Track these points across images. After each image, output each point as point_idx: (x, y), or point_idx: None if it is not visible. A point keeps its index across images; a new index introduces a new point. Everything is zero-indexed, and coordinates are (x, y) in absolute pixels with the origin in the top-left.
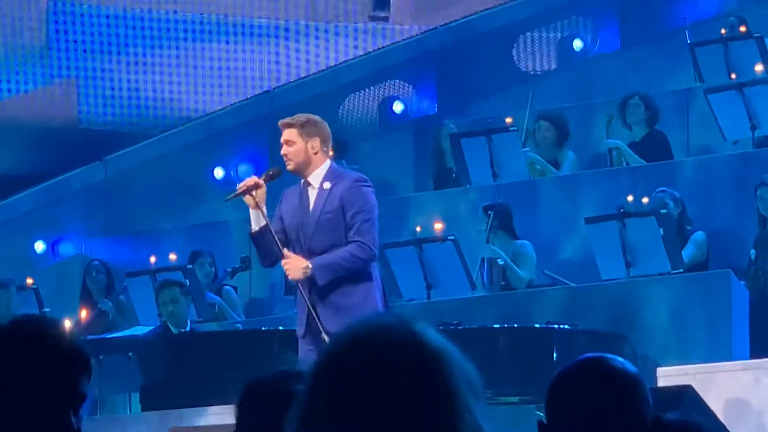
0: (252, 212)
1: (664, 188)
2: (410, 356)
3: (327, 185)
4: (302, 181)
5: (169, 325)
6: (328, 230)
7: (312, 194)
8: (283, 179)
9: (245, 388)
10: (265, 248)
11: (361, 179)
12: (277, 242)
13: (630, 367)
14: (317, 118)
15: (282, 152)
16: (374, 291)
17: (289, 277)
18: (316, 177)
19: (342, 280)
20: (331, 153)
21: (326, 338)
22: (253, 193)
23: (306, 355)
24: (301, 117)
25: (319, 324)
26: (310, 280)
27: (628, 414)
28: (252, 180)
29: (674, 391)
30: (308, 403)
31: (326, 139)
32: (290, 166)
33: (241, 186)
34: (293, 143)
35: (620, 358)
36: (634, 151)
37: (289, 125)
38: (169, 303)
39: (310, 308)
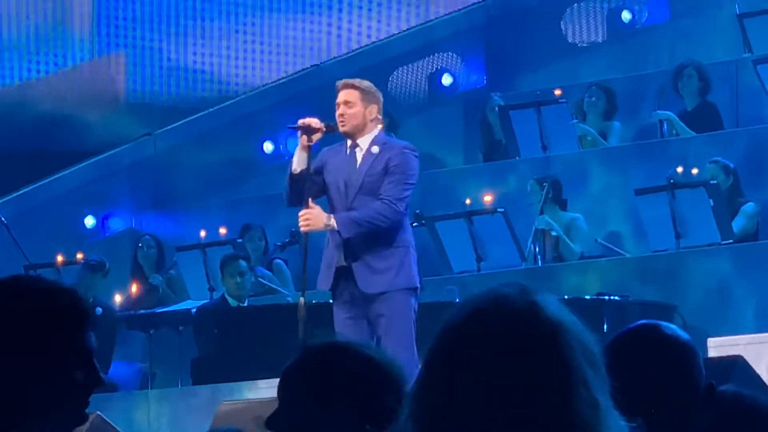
0: (299, 152)
1: (717, 158)
2: (528, 328)
3: (375, 149)
4: (349, 143)
5: (228, 298)
6: (370, 192)
7: (359, 155)
8: (325, 139)
9: (283, 376)
10: (298, 192)
11: (409, 147)
12: (309, 189)
13: (683, 334)
14: (375, 87)
15: (339, 112)
16: (410, 257)
17: (308, 228)
18: (365, 141)
19: (378, 243)
20: (380, 126)
21: (362, 302)
22: (311, 135)
23: (343, 323)
24: (364, 81)
25: (354, 284)
26: (344, 240)
27: (681, 381)
28: (317, 122)
29: (724, 362)
30: (426, 372)
31: (381, 109)
32: (345, 128)
33: (305, 121)
34: (353, 105)
35: (673, 326)
36: (684, 121)
37: (352, 86)
38: (237, 275)
39: (340, 267)
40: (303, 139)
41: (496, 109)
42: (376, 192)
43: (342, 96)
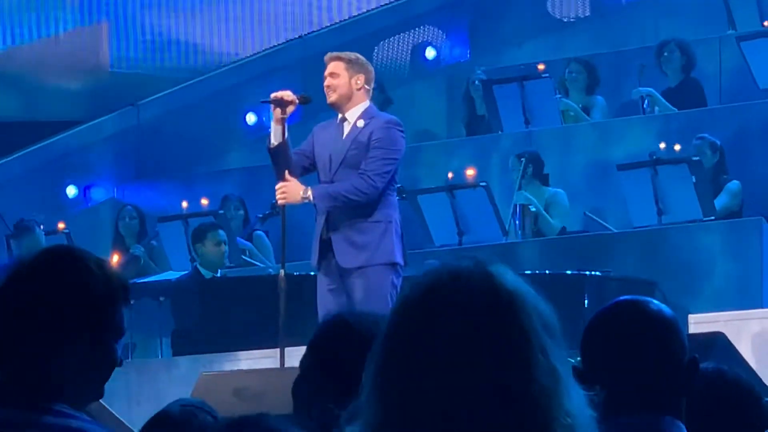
0: (274, 126)
1: (704, 135)
2: (485, 299)
3: (360, 123)
4: (338, 117)
5: (200, 270)
6: (353, 165)
7: (346, 129)
8: (318, 116)
9: (310, 348)
10: (280, 165)
11: (394, 121)
12: (290, 159)
13: (666, 309)
14: (364, 59)
15: (325, 84)
16: (391, 232)
17: (284, 201)
18: (353, 114)
19: (358, 217)
20: (368, 98)
21: (344, 273)
22: (285, 108)
23: (324, 293)
24: (350, 54)
25: (333, 257)
26: (327, 213)
27: (664, 356)
28: (289, 95)
29: (705, 338)
30: (385, 346)
31: (370, 80)
32: (331, 98)
33: (277, 94)
34: (338, 75)
35: (656, 301)
36: (668, 98)
37: (338, 58)
38: (222, 244)
39: (324, 240)
40: (276, 113)
41: (477, 83)
42: (359, 166)
43: (328, 68)
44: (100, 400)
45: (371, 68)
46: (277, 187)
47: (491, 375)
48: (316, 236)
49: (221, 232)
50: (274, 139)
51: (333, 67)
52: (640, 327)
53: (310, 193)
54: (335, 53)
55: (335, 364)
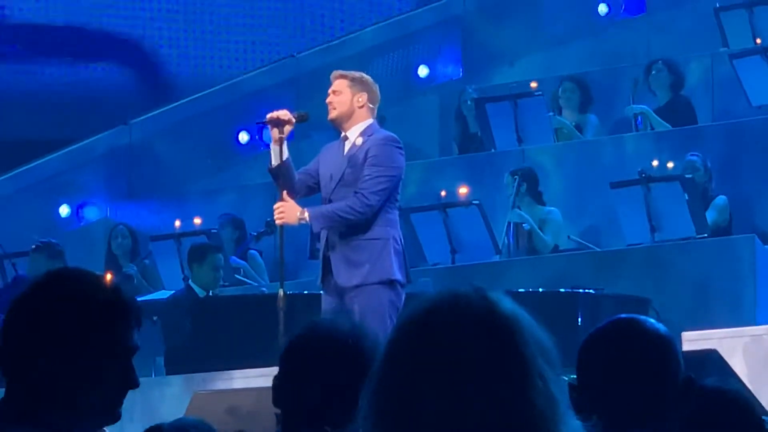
0: (273, 146)
1: (696, 153)
2: (483, 324)
3: (359, 141)
4: (341, 135)
5: (194, 287)
6: (349, 184)
7: (346, 147)
8: (311, 136)
9: (288, 344)
10: (283, 185)
11: (391, 138)
12: (291, 180)
13: (661, 327)
14: (370, 79)
15: (327, 100)
16: (389, 250)
17: (282, 221)
18: (354, 132)
19: (355, 235)
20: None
21: (342, 292)
22: (282, 128)
23: (327, 312)
24: (355, 72)
25: (331, 276)
26: (326, 233)
27: (659, 374)
28: (286, 114)
29: (699, 356)
30: (383, 372)
31: (374, 99)
32: (332, 114)
33: (273, 114)
34: (340, 93)
35: (651, 319)
36: (658, 116)
37: (342, 76)
38: (219, 269)
39: (326, 258)
40: (274, 133)
41: (469, 102)
42: (355, 183)
43: (332, 86)
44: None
45: (376, 88)
46: (275, 207)
47: (489, 401)
48: (319, 255)
49: (219, 256)
50: (274, 160)
51: (337, 84)
52: (636, 345)
53: (306, 214)
54: (341, 71)
55: (306, 373)
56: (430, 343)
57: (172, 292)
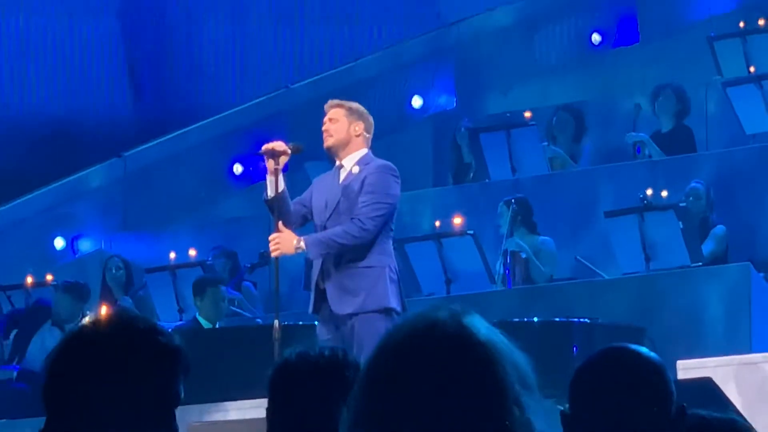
0: (268, 177)
1: (700, 180)
2: (458, 351)
3: (356, 169)
4: (336, 164)
5: (200, 320)
6: (345, 212)
7: (342, 176)
8: (305, 167)
9: (276, 369)
10: (284, 210)
11: (388, 166)
12: (287, 210)
13: (653, 356)
14: (365, 109)
15: (324, 128)
16: (385, 278)
17: (278, 252)
18: (350, 161)
19: (351, 263)
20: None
21: (339, 320)
22: (277, 159)
23: (323, 341)
24: (351, 102)
25: (327, 305)
26: (321, 261)
27: (652, 403)
28: (281, 145)
29: (694, 384)
30: (362, 397)
31: (369, 128)
32: (328, 142)
33: (269, 146)
34: (336, 121)
35: (644, 348)
36: (659, 143)
37: (338, 105)
38: (222, 301)
39: (320, 289)
40: (270, 164)
41: (464, 130)
42: (350, 211)
43: (328, 114)
44: None
45: (371, 118)
46: (270, 238)
47: (467, 425)
48: (312, 285)
49: (221, 288)
50: (270, 191)
51: (333, 113)
52: (627, 374)
53: (302, 242)
54: (336, 100)
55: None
56: (406, 369)
57: (168, 324)
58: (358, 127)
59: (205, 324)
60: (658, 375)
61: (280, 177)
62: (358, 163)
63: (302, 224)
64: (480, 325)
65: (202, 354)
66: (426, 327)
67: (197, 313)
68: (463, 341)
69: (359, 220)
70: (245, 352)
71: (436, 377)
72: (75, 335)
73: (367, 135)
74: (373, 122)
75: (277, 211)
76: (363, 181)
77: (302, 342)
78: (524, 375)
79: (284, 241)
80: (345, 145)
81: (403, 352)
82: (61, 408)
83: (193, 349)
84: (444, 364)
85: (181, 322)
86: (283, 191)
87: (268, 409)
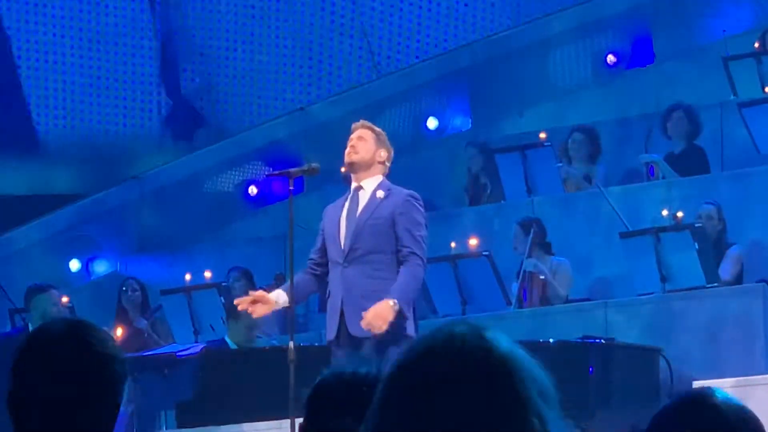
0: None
1: (711, 201)
2: (479, 364)
3: (380, 194)
4: (353, 186)
5: (228, 343)
6: (372, 235)
7: (363, 198)
8: (323, 188)
9: (314, 389)
10: (305, 297)
11: (415, 195)
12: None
13: (735, 401)
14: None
15: (351, 144)
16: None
17: (386, 327)
18: (370, 183)
19: (373, 288)
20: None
21: (357, 343)
22: (292, 179)
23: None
24: (379, 129)
25: (344, 328)
26: (344, 287)
27: None
28: (247, 300)
29: None
30: (381, 411)
31: (390, 158)
32: (353, 158)
33: (240, 302)
34: (365, 141)
35: (723, 392)
36: (671, 164)
37: (369, 128)
38: (255, 327)
39: (341, 313)
40: (258, 313)
41: (473, 155)
42: (379, 235)
43: (357, 132)
44: None
45: (392, 150)
46: (365, 319)
47: None
48: (330, 310)
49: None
50: (283, 304)
51: (363, 133)
52: (709, 421)
53: (396, 305)
54: (367, 122)
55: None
56: (425, 383)
57: (184, 346)
58: (383, 153)
59: (233, 345)
60: (741, 421)
61: (278, 298)
62: (381, 187)
63: (323, 283)
64: (501, 338)
65: (218, 375)
66: (445, 339)
67: (226, 336)
68: (484, 352)
69: (418, 258)
70: (261, 373)
71: (455, 390)
72: (40, 345)
73: (388, 164)
74: (393, 154)
75: (300, 296)
76: (393, 209)
77: (319, 364)
78: (545, 389)
79: (383, 312)
80: (368, 166)
81: (423, 364)
82: (26, 420)
83: (209, 371)
84: (464, 377)
85: (197, 345)
86: (294, 291)
87: (302, 428)
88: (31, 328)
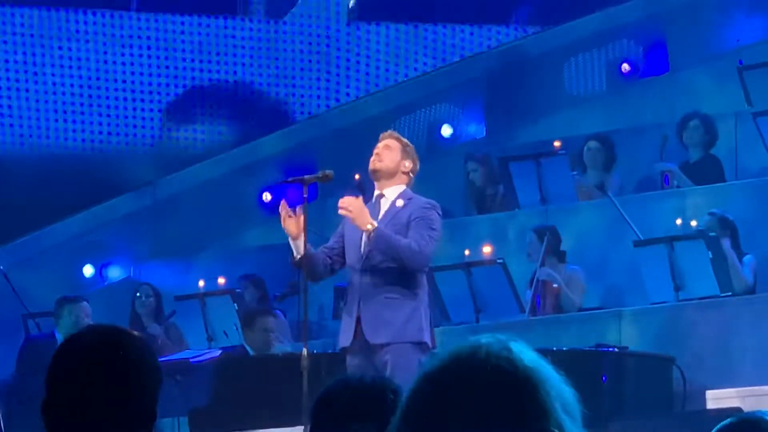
0: (291, 242)
1: (714, 210)
2: (505, 376)
3: (400, 202)
4: (375, 194)
5: (247, 349)
6: None
7: (384, 206)
8: (337, 194)
9: (320, 396)
10: (312, 269)
11: (435, 204)
12: (315, 268)
13: None
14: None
15: (376, 151)
16: (420, 311)
17: (345, 214)
18: (392, 192)
19: (389, 293)
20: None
21: (371, 350)
22: (306, 187)
23: (354, 370)
24: (407, 140)
25: (362, 335)
26: (360, 293)
27: None
28: (290, 215)
29: (723, 414)
30: (405, 422)
31: (415, 171)
32: (378, 165)
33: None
34: (391, 150)
35: None
36: (687, 173)
37: (397, 138)
38: (269, 332)
39: (356, 319)
40: (292, 229)
41: (471, 173)
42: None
43: (384, 141)
44: None
45: (419, 162)
46: (342, 200)
47: None
48: (346, 316)
49: (270, 319)
50: (296, 253)
51: (390, 142)
52: None
53: (373, 227)
54: (395, 133)
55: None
56: (450, 393)
57: (199, 352)
58: (408, 164)
59: (252, 353)
60: None
61: (302, 240)
62: (401, 196)
63: (331, 275)
64: (526, 351)
65: (231, 382)
66: (471, 350)
67: (244, 342)
68: (509, 364)
69: (420, 243)
70: (274, 380)
71: (479, 401)
72: (77, 352)
73: (412, 176)
74: (419, 166)
75: (306, 269)
76: (410, 215)
77: (332, 371)
78: (569, 403)
79: (357, 211)
80: (391, 175)
81: (448, 375)
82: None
83: (222, 378)
84: (488, 388)
85: (213, 351)
86: (308, 251)
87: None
88: (57, 336)
